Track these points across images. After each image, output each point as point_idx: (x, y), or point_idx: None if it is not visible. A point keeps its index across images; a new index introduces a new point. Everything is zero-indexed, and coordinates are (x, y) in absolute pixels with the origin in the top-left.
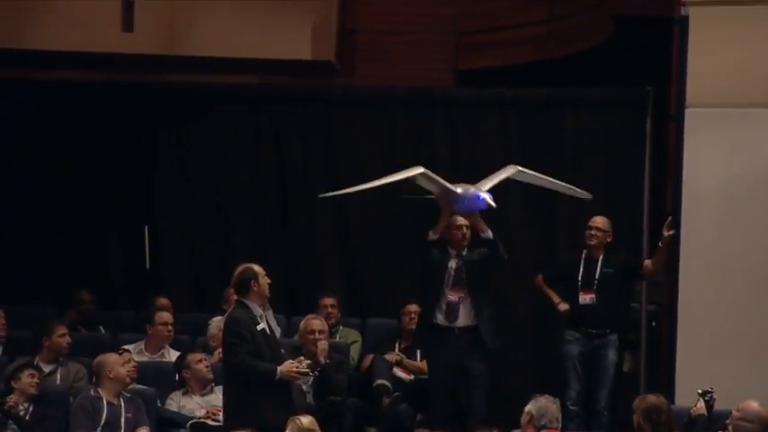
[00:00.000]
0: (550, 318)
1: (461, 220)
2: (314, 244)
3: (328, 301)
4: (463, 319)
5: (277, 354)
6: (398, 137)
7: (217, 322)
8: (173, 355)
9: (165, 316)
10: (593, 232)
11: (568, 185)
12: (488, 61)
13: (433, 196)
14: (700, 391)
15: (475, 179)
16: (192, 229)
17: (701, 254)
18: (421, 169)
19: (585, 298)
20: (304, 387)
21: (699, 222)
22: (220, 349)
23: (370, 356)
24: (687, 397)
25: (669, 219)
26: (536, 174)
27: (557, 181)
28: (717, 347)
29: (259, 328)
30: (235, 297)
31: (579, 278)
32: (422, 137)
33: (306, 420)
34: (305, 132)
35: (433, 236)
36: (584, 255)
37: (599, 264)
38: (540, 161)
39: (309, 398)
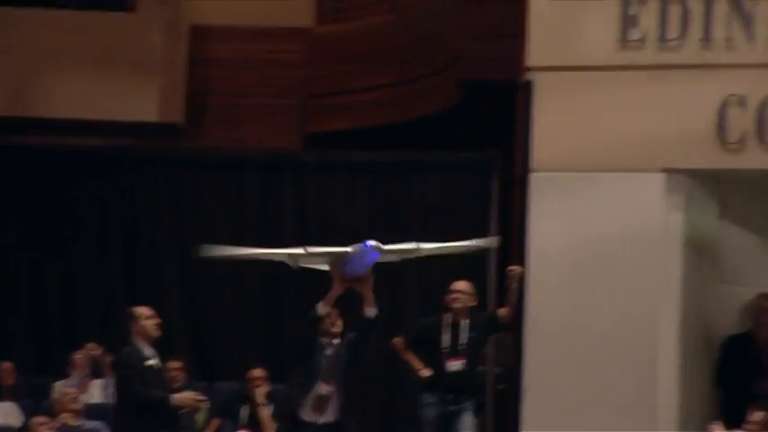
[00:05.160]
0: (401, 380)
1: (328, 309)
2: (161, 306)
3: (174, 364)
4: (329, 414)
5: (167, 388)
6: (246, 199)
7: (60, 387)
8: None
9: None
10: (455, 296)
11: (468, 244)
12: (337, 124)
13: (327, 268)
14: None
15: (322, 242)
16: (37, 292)
17: (547, 316)
18: (301, 249)
19: (454, 364)
20: None
21: (544, 285)
22: (65, 414)
23: (217, 421)
24: None
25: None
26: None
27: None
28: (562, 410)
29: (147, 363)
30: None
31: (445, 344)
32: (270, 199)
33: None
34: (152, 195)
35: (322, 309)
36: (448, 319)
37: (464, 328)
38: (388, 225)
39: None
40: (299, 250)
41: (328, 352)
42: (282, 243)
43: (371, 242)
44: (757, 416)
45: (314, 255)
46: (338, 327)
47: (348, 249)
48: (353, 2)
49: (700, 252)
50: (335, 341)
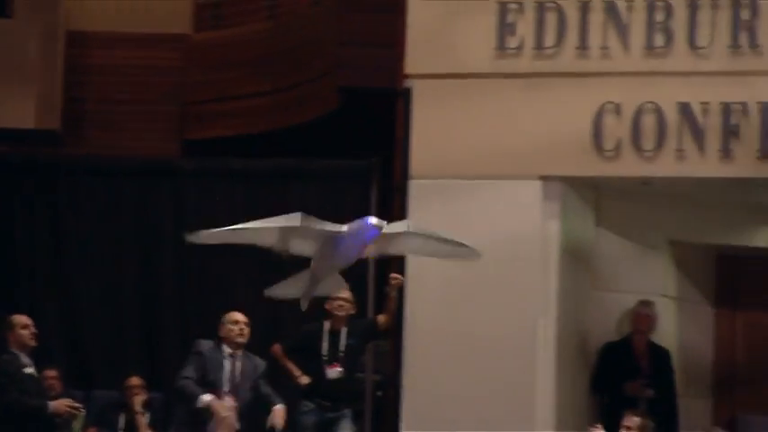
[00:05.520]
0: (280, 387)
1: (239, 316)
2: (38, 314)
3: (50, 373)
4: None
5: (45, 397)
6: (124, 207)
7: None
8: None
9: None
10: (341, 303)
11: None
12: (216, 131)
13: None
14: None
15: (201, 250)
16: None
17: (425, 323)
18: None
19: (333, 372)
20: None
21: (422, 291)
22: None
23: (94, 429)
24: None
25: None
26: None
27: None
28: (441, 416)
29: (25, 371)
30: None
31: (324, 351)
32: (147, 207)
33: None
34: (29, 202)
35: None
36: (327, 327)
37: (343, 336)
38: None
39: None
40: (295, 222)
41: (227, 366)
42: (160, 249)
43: (373, 219)
44: (634, 420)
45: (309, 228)
46: (245, 336)
47: (343, 228)
48: (232, 9)
49: (577, 258)
50: (239, 353)
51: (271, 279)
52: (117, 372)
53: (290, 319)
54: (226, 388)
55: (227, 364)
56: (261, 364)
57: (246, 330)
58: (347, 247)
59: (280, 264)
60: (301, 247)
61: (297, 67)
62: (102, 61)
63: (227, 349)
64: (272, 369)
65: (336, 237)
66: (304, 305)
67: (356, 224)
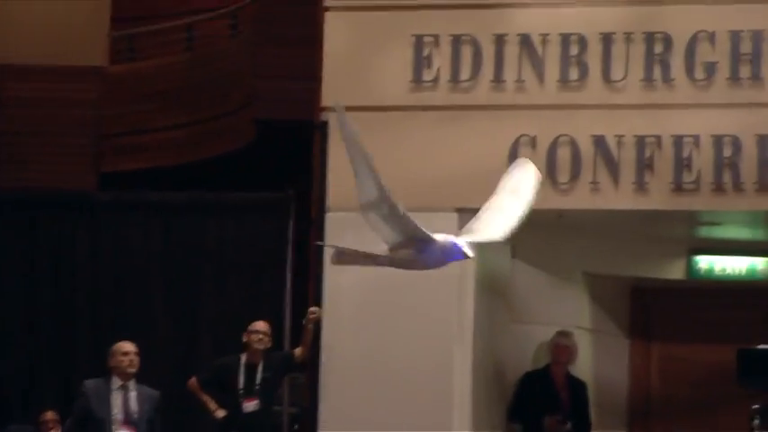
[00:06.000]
0: (195, 421)
1: (129, 346)
2: None
3: None
4: None
5: None
6: (39, 240)
7: None
8: None
9: None
10: (260, 336)
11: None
12: (133, 164)
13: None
14: None
15: (117, 283)
16: None
17: (342, 355)
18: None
19: (249, 405)
20: None
21: (339, 324)
22: None
23: None
24: None
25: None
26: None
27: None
28: None
29: None
30: None
31: (240, 385)
32: (63, 240)
33: None
34: None
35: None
36: (243, 359)
37: (259, 369)
38: (184, 265)
39: None
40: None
41: (118, 399)
42: (76, 282)
43: (464, 247)
44: None
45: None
46: (135, 367)
47: (437, 237)
48: (148, 41)
49: (492, 290)
50: (131, 383)
51: (187, 314)
52: (31, 406)
53: (206, 351)
54: (119, 419)
55: (117, 396)
56: (155, 394)
57: (136, 360)
58: (428, 257)
59: (194, 303)
60: (381, 226)
61: (213, 99)
62: (16, 93)
63: (117, 381)
64: (188, 402)
65: (424, 243)
66: (336, 258)
67: (448, 242)
